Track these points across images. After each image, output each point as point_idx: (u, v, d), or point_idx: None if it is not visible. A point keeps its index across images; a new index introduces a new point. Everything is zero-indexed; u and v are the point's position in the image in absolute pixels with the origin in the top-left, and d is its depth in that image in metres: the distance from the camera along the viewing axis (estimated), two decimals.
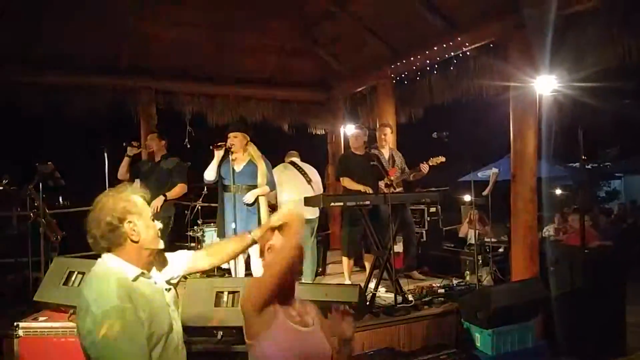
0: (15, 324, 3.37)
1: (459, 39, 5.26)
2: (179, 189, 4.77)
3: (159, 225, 1.78)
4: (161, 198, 4.62)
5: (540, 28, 4.31)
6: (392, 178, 4.83)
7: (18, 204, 4.93)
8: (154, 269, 1.78)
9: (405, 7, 5.54)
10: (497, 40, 5.00)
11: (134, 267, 1.67)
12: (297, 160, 5.33)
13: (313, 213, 5.01)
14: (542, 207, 6.68)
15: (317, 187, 5.22)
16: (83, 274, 3.62)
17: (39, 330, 3.39)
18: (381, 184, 4.94)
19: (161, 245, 1.77)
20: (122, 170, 4.79)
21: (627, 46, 4.14)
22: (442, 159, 4.89)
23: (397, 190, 5.08)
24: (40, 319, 3.53)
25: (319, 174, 5.32)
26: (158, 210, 4.54)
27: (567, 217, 8.34)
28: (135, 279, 1.65)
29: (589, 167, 7.92)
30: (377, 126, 5.76)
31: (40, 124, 7.18)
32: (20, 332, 3.35)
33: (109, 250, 1.67)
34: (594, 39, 4.34)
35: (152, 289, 1.70)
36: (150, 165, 4.88)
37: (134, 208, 1.70)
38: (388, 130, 5.44)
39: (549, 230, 8.17)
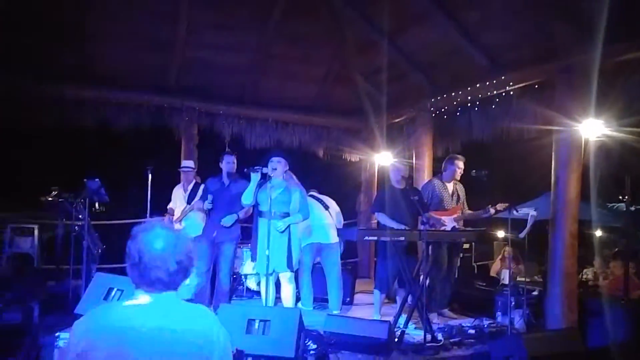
0: (56, 334, 3.45)
1: (503, 78, 5.23)
2: (246, 211, 4.84)
3: None
4: (234, 216, 4.75)
5: (588, 74, 4.27)
6: (443, 219, 4.79)
7: (64, 215, 5.11)
8: None
9: (450, 44, 5.58)
10: (542, 82, 4.96)
11: None
12: (315, 193, 5.80)
13: (336, 237, 5.40)
14: (581, 249, 6.50)
15: (334, 213, 5.69)
16: (122, 291, 3.77)
17: None
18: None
19: None
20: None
21: None
22: (507, 204, 4.74)
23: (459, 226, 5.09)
24: None
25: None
26: (228, 225, 4.70)
27: (608, 261, 8.05)
28: None
29: (633, 209, 7.65)
30: (448, 157, 5.40)
31: (89, 138, 7.52)
32: (61, 343, 3.41)
33: (169, 289, 1.51)
34: None
35: None
36: (221, 185, 4.93)
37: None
38: (462, 164, 5.21)
39: (587, 274, 7.89)
